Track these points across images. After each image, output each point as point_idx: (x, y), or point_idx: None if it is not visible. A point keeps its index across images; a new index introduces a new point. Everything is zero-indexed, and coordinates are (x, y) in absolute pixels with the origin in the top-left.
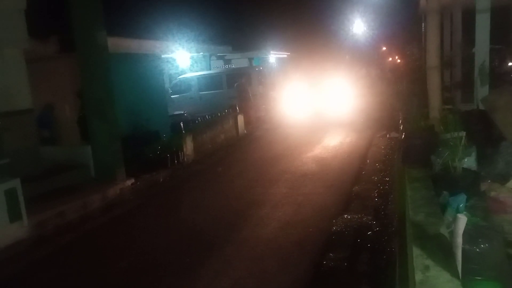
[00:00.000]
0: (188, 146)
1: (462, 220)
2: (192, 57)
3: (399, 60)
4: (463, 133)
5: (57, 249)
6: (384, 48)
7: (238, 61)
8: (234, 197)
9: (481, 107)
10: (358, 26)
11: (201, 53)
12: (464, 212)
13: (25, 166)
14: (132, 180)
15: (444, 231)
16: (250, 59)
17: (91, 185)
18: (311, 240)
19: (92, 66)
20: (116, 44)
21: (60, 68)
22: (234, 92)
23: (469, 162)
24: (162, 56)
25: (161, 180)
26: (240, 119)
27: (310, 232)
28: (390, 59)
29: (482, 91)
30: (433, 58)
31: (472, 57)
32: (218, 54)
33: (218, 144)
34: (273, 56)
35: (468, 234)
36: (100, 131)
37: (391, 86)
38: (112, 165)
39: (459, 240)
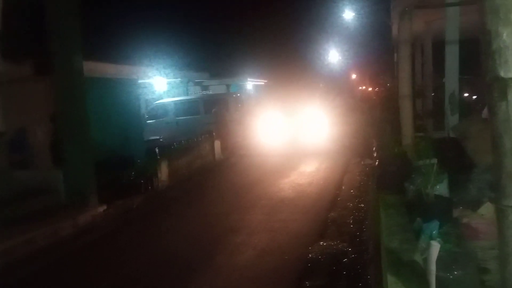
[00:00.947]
0: (163, 172)
1: (435, 247)
2: (169, 83)
3: (370, 89)
4: (435, 160)
5: (23, 278)
6: (355, 77)
7: (216, 87)
8: (210, 224)
9: (453, 135)
10: (333, 55)
11: (179, 79)
12: (438, 239)
13: None
14: (105, 206)
15: (418, 258)
16: (228, 86)
17: (63, 210)
18: (287, 267)
19: (68, 90)
20: (93, 68)
21: (35, 91)
22: (211, 118)
23: (442, 188)
24: (139, 81)
25: (135, 206)
26: (217, 144)
27: (286, 260)
28: (363, 87)
29: (452, 119)
30: (405, 87)
31: (443, 86)
32: (195, 80)
33: (194, 169)
34: (251, 83)
35: (442, 261)
36: (73, 155)
37: (363, 114)
38: (85, 190)
39: (433, 267)
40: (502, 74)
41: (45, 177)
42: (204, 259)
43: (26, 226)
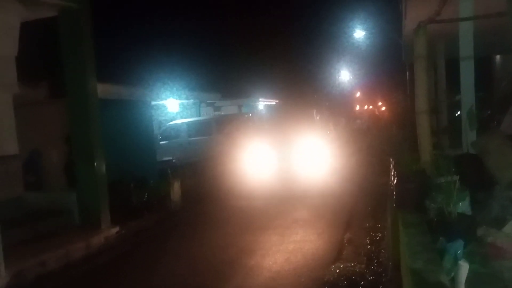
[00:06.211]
0: (176, 193)
1: (464, 268)
2: (181, 104)
3: (377, 109)
4: (457, 177)
5: None
6: (364, 96)
7: (228, 108)
8: (223, 246)
9: (472, 151)
10: (344, 74)
11: (191, 100)
12: (463, 259)
13: (8, 211)
14: (117, 228)
15: (444, 279)
16: (240, 106)
17: (75, 232)
18: None
19: (82, 112)
20: (107, 90)
21: (49, 113)
22: (224, 138)
23: (464, 206)
24: (152, 102)
25: (148, 227)
26: (230, 165)
27: (302, 282)
28: (371, 107)
29: (471, 135)
30: (422, 103)
31: (457, 104)
32: (208, 101)
33: (207, 190)
34: (262, 103)
35: (469, 282)
36: (87, 176)
37: (375, 134)
38: (98, 211)
39: None
40: None
41: (58, 198)
42: (217, 281)
43: (39, 247)
